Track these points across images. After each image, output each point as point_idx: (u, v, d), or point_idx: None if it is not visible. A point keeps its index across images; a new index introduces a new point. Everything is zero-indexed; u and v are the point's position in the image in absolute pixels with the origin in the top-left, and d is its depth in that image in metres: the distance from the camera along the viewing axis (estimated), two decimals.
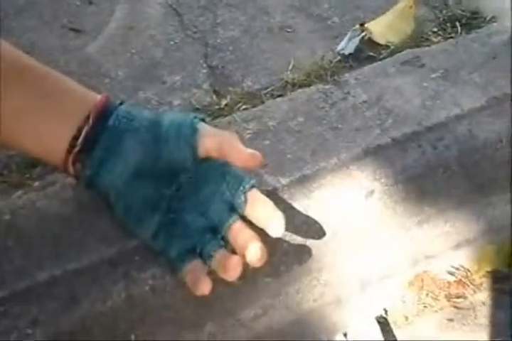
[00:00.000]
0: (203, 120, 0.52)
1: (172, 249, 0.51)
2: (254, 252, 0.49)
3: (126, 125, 0.49)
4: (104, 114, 0.48)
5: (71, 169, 0.49)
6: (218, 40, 0.78)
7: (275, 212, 0.51)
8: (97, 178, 0.49)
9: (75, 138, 0.48)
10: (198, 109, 0.70)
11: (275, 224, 0.50)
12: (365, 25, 0.76)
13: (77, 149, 0.48)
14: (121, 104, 0.51)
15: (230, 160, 0.50)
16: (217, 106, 0.70)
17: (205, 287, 0.49)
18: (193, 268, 0.50)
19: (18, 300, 0.49)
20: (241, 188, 0.51)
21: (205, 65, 0.75)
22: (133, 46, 0.77)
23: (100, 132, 0.48)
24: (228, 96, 0.71)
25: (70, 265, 0.51)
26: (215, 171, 0.51)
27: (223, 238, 0.51)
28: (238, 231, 0.50)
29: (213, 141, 0.50)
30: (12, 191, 0.56)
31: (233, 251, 0.51)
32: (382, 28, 0.76)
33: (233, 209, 0.51)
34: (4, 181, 0.59)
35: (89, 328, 0.51)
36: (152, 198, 0.50)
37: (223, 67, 0.75)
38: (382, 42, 0.76)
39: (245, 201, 0.51)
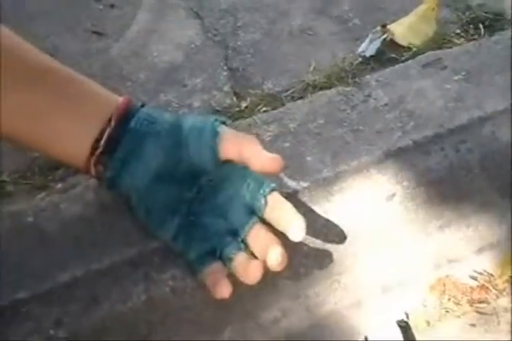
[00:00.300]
0: (223, 123, 0.52)
1: (192, 251, 0.51)
2: (275, 257, 0.49)
3: (147, 128, 0.49)
4: (126, 116, 0.49)
5: (93, 171, 0.50)
6: (239, 43, 0.79)
7: (296, 216, 0.50)
8: (119, 180, 0.50)
9: (97, 140, 0.48)
10: (218, 111, 0.70)
11: (296, 228, 0.50)
12: (387, 27, 0.76)
13: (99, 151, 0.48)
14: (142, 106, 0.51)
15: (250, 164, 0.49)
16: (237, 109, 0.70)
17: (225, 290, 0.49)
18: (212, 270, 0.50)
19: (41, 302, 0.49)
20: (261, 191, 0.51)
21: (225, 68, 0.76)
22: (154, 49, 0.78)
23: (122, 134, 0.48)
24: (248, 99, 0.71)
25: (91, 266, 0.51)
26: (236, 174, 0.51)
27: (243, 241, 0.51)
28: (258, 235, 0.50)
29: (234, 144, 0.50)
30: (35, 193, 0.57)
31: (253, 254, 0.51)
32: (404, 30, 0.76)
33: (253, 212, 0.51)
34: (27, 183, 0.60)
35: (109, 329, 0.51)
36: (173, 201, 0.50)
37: (244, 69, 0.75)
38: (404, 43, 0.75)
39: (265, 204, 0.51)
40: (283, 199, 0.52)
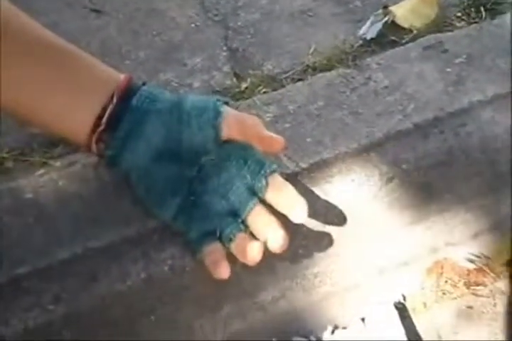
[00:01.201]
0: (226, 103, 0.52)
1: (192, 231, 0.51)
2: (276, 240, 0.49)
3: (149, 105, 0.49)
4: (127, 93, 0.48)
5: (94, 148, 0.49)
6: (239, 23, 0.78)
7: (297, 198, 0.50)
8: (120, 158, 0.49)
9: (99, 117, 0.48)
10: (218, 91, 0.70)
11: (298, 210, 0.50)
12: (389, 8, 0.75)
13: (100, 129, 0.48)
14: (143, 84, 0.51)
15: (254, 143, 0.49)
16: (237, 89, 0.69)
17: (223, 271, 0.49)
18: (212, 250, 0.50)
19: (40, 277, 0.49)
20: (262, 172, 0.50)
21: (225, 48, 0.75)
22: (154, 28, 0.77)
23: (124, 112, 0.48)
24: (248, 80, 0.70)
25: (90, 243, 0.51)
26: (237, 154, 0.51)
27: (243, 222, 0.51)
28: (258, 216, 0.50)
29: (236, 124, 0.50)
30: (34, 170, 0.57)
31: (253, 235, 0.50)
32: (405, 12, 0.75)
33: (254, 193, 0.51)
34: (26, 160, 0.59)
35: (108, 307, 0.51)
36: (173, 180, 0.50)
37: (244, 50, 0.75)
38: (405, 25, 0.75)
39: (266, 185, 0.50)
40: (284, 181, 0.51)
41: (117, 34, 0.75)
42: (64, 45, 0.48)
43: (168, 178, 0.50)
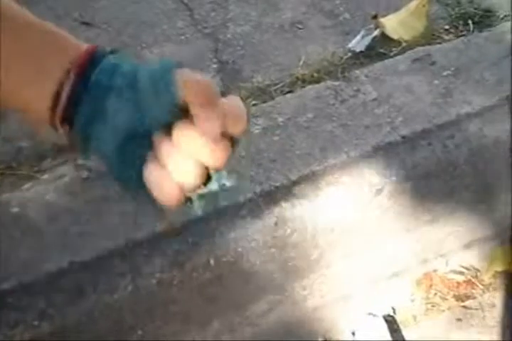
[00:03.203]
0: (179, 65, 0.46)
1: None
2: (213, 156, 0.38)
3: (109, 81, 0.44)
4: (88, 67, 0.44)
5: (61, 129, 0.45)
6: (229, 36, 0.78)
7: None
8: (88, 143, 0.45)
9: (58, 93, 0.44)
10: None
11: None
12: (379, 20, 0.75)
13: (60, 108, 0.44)
14: (111, 52, 0.46)
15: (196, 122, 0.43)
16: None
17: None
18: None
19: (26, 292, 0.49)
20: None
21: (215, 60, 0.75)
22: (143, 40, 0.77)
23: (83, 90, 0.44)
24: (238, 92, 0.70)
25: (77, 257, 0.51)
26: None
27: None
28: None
29: (191, 94, 0.44)
30: (21, 183, 0.56)
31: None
32: (395, 24, 0.75)
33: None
34: (13, 174, 0.59)
35: (95, 321, 0.51)
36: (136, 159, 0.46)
37: (233, 62, 0.75)
38: (394, 37, 0.75)
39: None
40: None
41: (107, 46, 0.75)
42: (24, 15, 0.45)
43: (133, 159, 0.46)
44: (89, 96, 0.45)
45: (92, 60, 0.46)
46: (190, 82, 0.44)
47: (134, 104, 0.46)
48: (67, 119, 0.46)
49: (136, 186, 0.45)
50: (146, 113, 0.46)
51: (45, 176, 0.57)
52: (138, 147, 0.45)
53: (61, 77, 0.45)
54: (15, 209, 0.53)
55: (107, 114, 0.45)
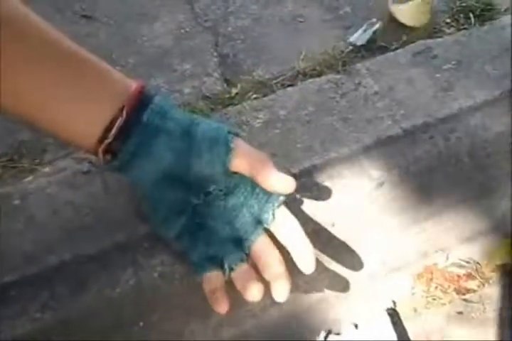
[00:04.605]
0: (237, 135, 0.51)
1: (194, 253, 0.50)
2: (281, 293, 0.49)
3: (159, 122, 0.48)
4: (138, 106, 0.47)
5: (101, 158, 0.48)
6: (229, 29, 0.78)
7: (306, 247, 0.50)
8: (127, 171, 0.48)
9: (108, 129, 0.47)
10: (208, 97, 0.70)
11: (307, 261, 0.50)
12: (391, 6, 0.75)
13: (108, 141, 0.47)
14: (155, 94, 0.49)
15: (261, 183, 0.48)
16: (227, 95, 0.69)
17: (222, 307, 0.49)
18: (211, 278, 0.49)
19: (28, 285, 0.49)
20: (270, 205, 0.50)
21: (215, 54, 0.75)
22: (144, 34, 0.77)
23: (133, 126, 0.47)
24: (239, 85, 0.70)
25: (79, 250, 0.51)
26: (246, 183, 0.50)
27: (246, 251, 0.50)
28: (262, 247, 0.49)
29: (246, 163, 0.49)
30: (22, 176, 0.56)
31: (254, 265, 0.50)
32: (406, 9, 0.75)
33: (260, 223, 0.50)
34: (15, 166, 0.59)
35: (97, 314, 0.51)
36: (179, 202, 0.49)
37: (234, 55, 0.75)
38: (405, 22, 0.74)
39: (273, 217, 0.50)
40: (292, 216, 0.50)
41: (107, 40, 0.75)
42: (79, 49, 0.47)
43: (174, 200, 0.49)
44: (139, 132, 0.48)
45: (142, 99, 0.49)
46: (245, 158, 0.48)
47: (185, 152, 0.49)
48: (111, 151, 0.49)
49: (162, 222, 0.49)
50: (195, 168, 0.49)
51: (47, 169, 0.57)
52: (173, 189, 0.48)
53: (114, 115, 0.48)
54: (16, 202, 0.53)
55: (153, 150, 0.48)
